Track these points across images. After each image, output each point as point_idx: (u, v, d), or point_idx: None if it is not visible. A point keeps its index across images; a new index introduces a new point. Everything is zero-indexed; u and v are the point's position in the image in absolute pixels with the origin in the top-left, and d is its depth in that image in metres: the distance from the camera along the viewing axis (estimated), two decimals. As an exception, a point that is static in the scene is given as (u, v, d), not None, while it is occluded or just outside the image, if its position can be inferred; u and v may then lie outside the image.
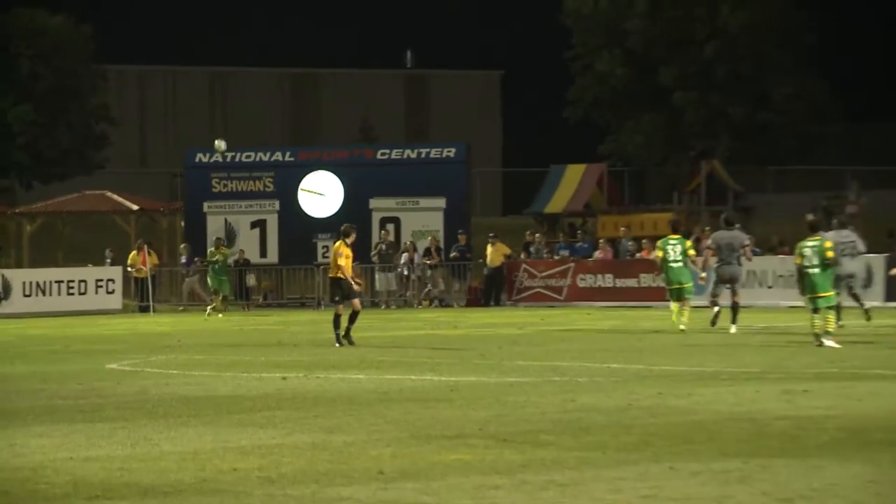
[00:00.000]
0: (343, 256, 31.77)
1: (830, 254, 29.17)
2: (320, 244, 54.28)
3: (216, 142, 47.36)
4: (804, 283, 29.41)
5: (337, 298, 31.91)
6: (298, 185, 56.12)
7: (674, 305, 35.74)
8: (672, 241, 36.54)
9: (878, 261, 47.11)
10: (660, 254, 35.99)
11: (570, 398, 20.33)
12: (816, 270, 29.05)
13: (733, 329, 34.01)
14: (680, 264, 36.13)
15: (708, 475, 13.45)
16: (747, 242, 36.15)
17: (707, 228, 46.36)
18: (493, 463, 14.50)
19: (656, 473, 13.64)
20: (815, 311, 29.01)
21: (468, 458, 14.83)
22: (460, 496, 12.62)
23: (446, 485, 13.19)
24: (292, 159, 58.44)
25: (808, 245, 29.32)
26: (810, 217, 31.79)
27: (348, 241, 31.97)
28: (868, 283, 48.96)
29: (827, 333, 28.47)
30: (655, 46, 72.93)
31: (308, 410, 19.46)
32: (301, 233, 55.44)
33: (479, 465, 14.41)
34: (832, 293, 29.22)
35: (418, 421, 18.02)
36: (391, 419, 18.24)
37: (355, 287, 32.16)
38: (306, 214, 55.89)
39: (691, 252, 36.62)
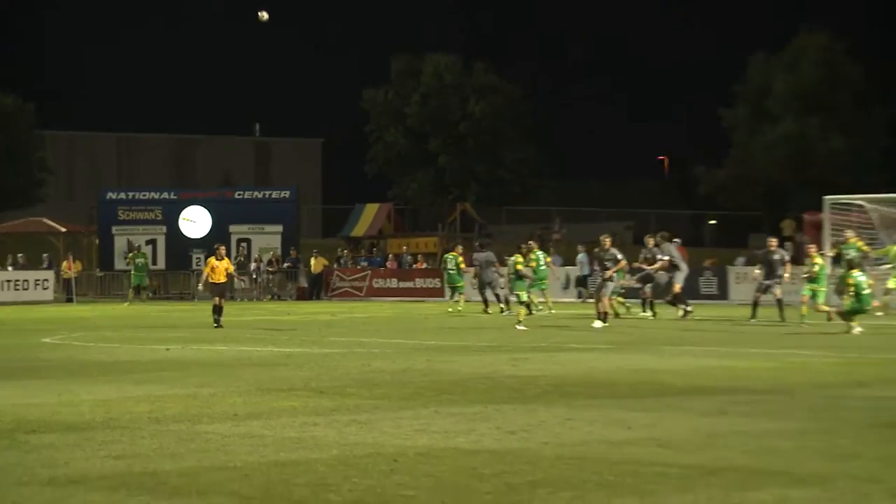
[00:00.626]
0: (209, 266, 31.70)
1: (519, 266, 30.21)
2: (194, 256, 54.58)
3: (260, 13, 40.39)
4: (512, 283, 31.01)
5: (212, 294, 31.71)
6: (179, 215, 56.50)
7: (459, 298, 38.31)
8: (450, 256, 39.75)
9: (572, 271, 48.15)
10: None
11: (367, 363, 20.32)
12: (513, 277, 30.25)
13: (489, 312, 36.40)
14: (455, 271, 38.91)
15: (461, 416, 13.52)
16: (494, 259, 38.20)
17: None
18: (313, 408, 14.44)
19: (425, 414, 13.68)
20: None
21: (296, 405, 14.75)
22: (290, 430, 12.55)
23: (280, 423, 13.10)
24: (175, 197, 58.56)
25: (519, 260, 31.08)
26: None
27: (218, 255, 31.85)
28: (566, 285, 49.88)
29: (519, 322, 29.29)
30: (425, 124, 75.00)
31: (185, 372, 19.22)
32: (181, 248, 55.79)
33: (304, 409, 14.34)
34: (523, 293, 30.04)
35: (262, 379, 17.88)
36: (243, 378, 18.09)
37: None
38: (185, 236, 56.29)
39: (462, 264, 39.13)
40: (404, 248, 57.67)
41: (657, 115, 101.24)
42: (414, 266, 54.70)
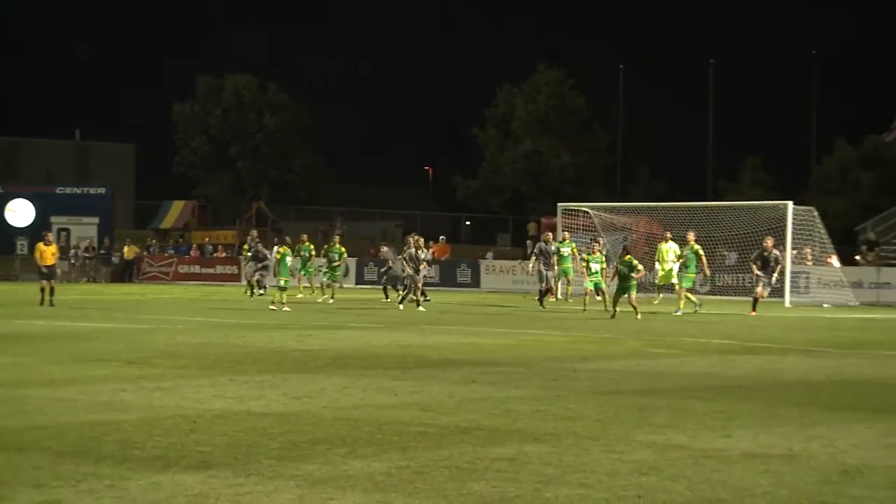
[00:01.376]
0: (38, 251, 30.66)
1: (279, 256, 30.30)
2: (18, 243, 52.79)
3: None
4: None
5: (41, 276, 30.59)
6: (5, 206, 54.92)
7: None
8: (282, 251, 36.99)
9: (351, 262, 47.96)
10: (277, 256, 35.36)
11: (172, 338, 19.85)
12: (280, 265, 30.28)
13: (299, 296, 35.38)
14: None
15: (252, 384, 13.31)
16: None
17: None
18: (123, 376, 14.01)
19: (222, 382, 13.42)
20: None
21: (108, 373, 14.30)
22: (102, 395, 12.13)
23: (93, 388, 12.66)
24: (2, 191, 56.79)
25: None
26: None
27: (46, 241, 30.92)
28: (346, 273, 49.68)
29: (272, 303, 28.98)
30: (226, 134, 74.41)
31: (7, 343, 18.45)
32: (7, 235, 53.78)
33: (115, 377, 13.89)
34: (284, 279, 29.53)
35: (78, 351, 17.28)
36: (61, 349, 17.45)
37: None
38: (10, 224, 54.59)
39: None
40: (206, 239, 57.20)
41: (422, 132, 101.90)
42: (214, 255, 54.10)
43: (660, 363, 16.45)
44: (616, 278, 28.09)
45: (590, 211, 42.52)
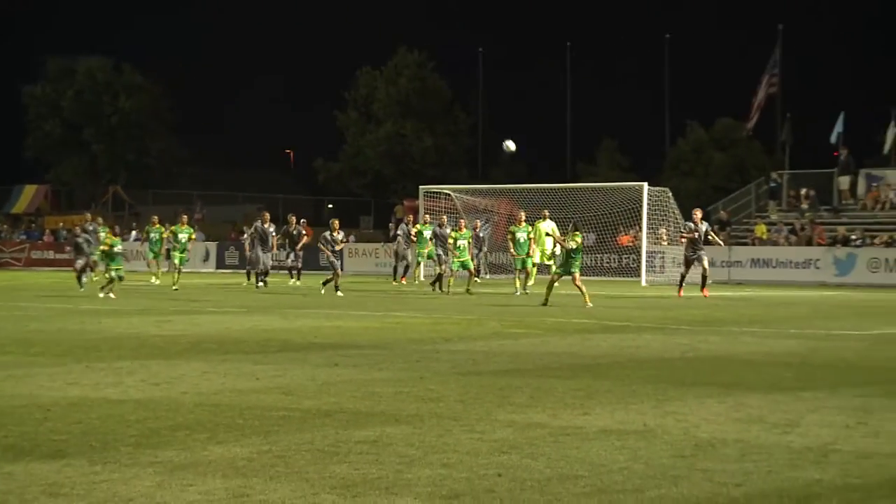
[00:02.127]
0: None
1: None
2: None
3: (505, 143, 36.57)
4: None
5: None
6: None
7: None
8: (154, 230, 36.81)
9: (212, 246, 47.32)
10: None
11: (25, 325, 19.30)
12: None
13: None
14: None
15: (110, 370, 13.04)
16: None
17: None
18: (-26, 365, 13.61)
19: (78, 369, 13.09)
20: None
21: (-42, 363, 13.87)
22: (-48, 386, 11.78)
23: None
24: None
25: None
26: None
27: None
28: (206, 257, 49.06)
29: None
30: (80, 117, 72.69)
31: None
32: None
33: (-35, 366, 13.48)
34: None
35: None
36: None
37: None
38: None
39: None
40: (60, 224, 55.59)
41: (287, 113, 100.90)
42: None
43: (520, 343, 16.65)
44: (560, 258, 27.96)
45: (452, 193, 42.78)
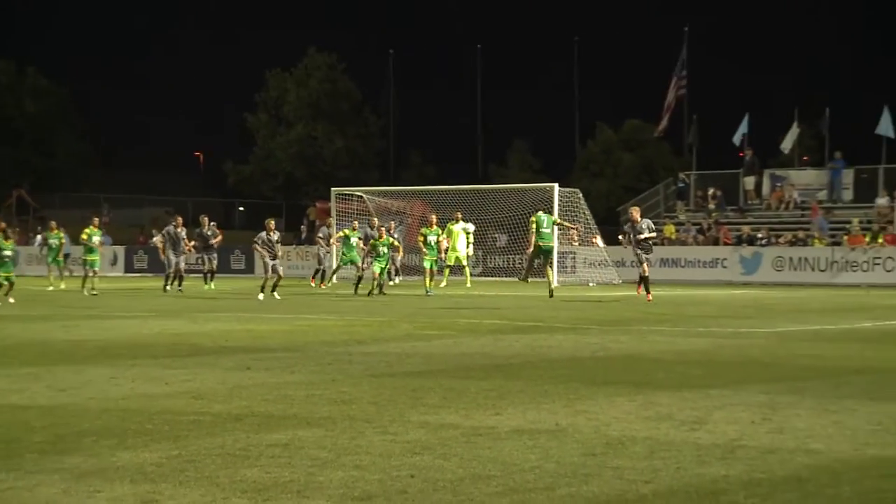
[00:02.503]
0: None
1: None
2: None
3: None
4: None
5: None
6: None
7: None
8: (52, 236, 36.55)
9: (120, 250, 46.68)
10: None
11: (-74, 332, 18.89)
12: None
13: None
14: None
15: (15, 377, 12.73)
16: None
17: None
18: None
19: (-19, 377, 12.85)
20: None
21: None
22: None
23: None
24: None
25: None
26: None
27: None
28: (115, 261, 48.39)
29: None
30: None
31: None
32: None
33: None
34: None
35: None
36: None
37: None
38: None
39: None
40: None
41: (191, 117, 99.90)
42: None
43: (433, 344, 16.67)
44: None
45: (364, 195, 42.70)
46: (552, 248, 29.60)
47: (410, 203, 43.64)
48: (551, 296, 28.39)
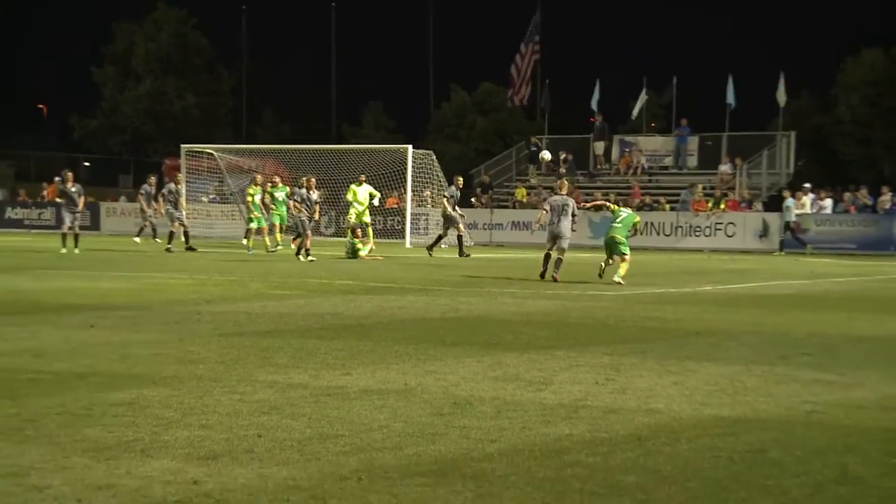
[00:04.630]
0: None
1: None
2: None
3: (542, 153, 38.28)
4: None
5: None
6: None
7: None
8: None
9: None
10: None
11: None
12: None
13: None
14: None
15: None
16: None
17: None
18: None
19: None
20: None
21: None
22: None
23: None
24: None
25: None
26: None
27: None
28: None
29: None
30: None
31: None
32: None
33: None
34: None
35: None
36: None
37: None
38: None
39: None
40: None
41: (34, 69, 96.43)
42: None
43: (284, 304, 16.58)
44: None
45: (214, 153, 42.05)
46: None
47: (263, 162, 43.14)
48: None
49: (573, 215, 22.87)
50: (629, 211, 23.13)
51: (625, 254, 21.93)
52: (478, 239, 39.52)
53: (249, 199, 33.09)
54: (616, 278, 21.23)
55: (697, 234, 40.52)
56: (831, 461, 7.13)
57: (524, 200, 46.20)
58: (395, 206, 42.08)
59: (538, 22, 56.44)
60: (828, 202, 40.38)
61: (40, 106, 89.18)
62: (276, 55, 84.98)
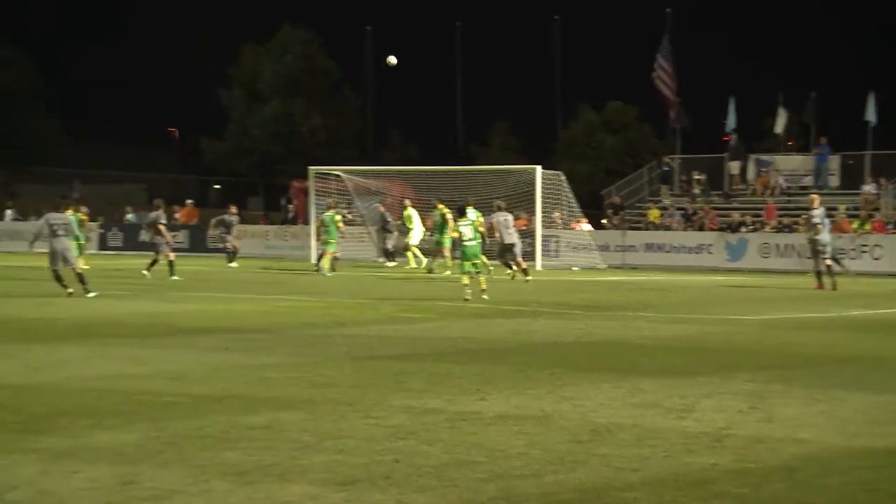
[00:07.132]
0: None
1: None
2: None
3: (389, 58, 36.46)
4: None
5: None
6: None
7: None
8: None
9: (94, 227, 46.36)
10: None
11: None
12: None
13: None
14: None
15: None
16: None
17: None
18: None
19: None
20: None
21: None
22: None
23: None
24: None
25: None
26: None
27: None
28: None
29: None
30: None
31: None
32: None
33: None
34: None
35: None
36: None
37: None
38: None
39: None
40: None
41: (166, 92, 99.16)
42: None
43: (416, 327, 16.68)
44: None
45: (342, 175, 42.57)
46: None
47: (390, 183, 43.52)
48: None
49: None
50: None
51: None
52: (610, 261, 39.23)
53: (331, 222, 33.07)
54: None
55: (842, 256, 39.54)
56: None
57: (657, 222, 45.69)
58: (524, 227, 41.99)
59: (667, 42, 55.81)
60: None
61: (171, 129, 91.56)
62: (401, 75, 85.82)
